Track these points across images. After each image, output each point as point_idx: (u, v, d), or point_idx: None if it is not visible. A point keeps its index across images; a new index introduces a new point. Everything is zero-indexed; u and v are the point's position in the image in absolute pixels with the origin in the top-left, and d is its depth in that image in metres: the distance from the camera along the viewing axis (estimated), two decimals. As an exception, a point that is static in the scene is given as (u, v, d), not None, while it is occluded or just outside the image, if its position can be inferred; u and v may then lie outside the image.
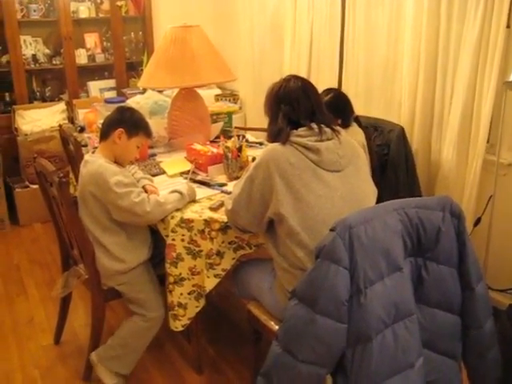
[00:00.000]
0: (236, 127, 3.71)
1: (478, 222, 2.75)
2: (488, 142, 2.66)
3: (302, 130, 1.84)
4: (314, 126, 1.85)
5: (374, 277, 1.56)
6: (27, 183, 4.20)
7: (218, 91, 4.65)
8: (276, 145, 1.85)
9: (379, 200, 2.00)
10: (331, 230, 1.56)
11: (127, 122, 2.27)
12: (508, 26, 2.48)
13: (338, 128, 1.91)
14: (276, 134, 1.88)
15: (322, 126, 1.86)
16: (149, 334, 2.34)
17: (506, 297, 2.74)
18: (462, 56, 2.64)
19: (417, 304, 1.70)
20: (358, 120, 2.70)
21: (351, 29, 3.34)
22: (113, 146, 2.26)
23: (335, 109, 2.50)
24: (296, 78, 1.96)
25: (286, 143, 1.83)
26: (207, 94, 4.25)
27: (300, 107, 1.88)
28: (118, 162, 2.29)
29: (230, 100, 4.37)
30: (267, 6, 4.13)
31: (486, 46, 2.51)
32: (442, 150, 2.83)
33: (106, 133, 2.28)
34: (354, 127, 2.63)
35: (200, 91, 3.12)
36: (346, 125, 2.55)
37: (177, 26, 2.92)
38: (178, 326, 2.28)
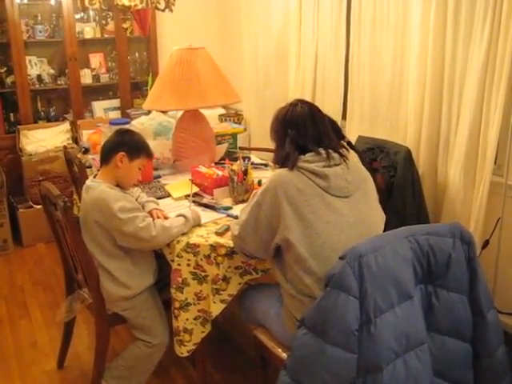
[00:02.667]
0: (240, 147, 3.71)
1: (486, 244, 2.72)
2: (495, 163, 2.65)
3: (309, 156, 1.82)
4: (322, 151, 1.83)
5: (384, 306, 1.53)
6: (31, 203, 4.19)
7: (223, 111, 4.67)
8: (283, 170, 1.83)
9: (386, 222, 1.99)
10: (340, 258, 1.54)
11: (128, 144, 2.26)
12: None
13: (345, 153, 1.90)
14: (283, 160, 1.86)
15: (330, 151, 1.84)
16: (153, 359, 2.32)
17: (515, 321, 2.71)
18: (468, 77, 2.63)
19: (427, 332, 1.67)
20: (350, 143, 2.68)
21: (356, 51, 3.34)
22: (115, 169, 2.24)
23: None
24: (303, 102, 1.95)
25: (294, 169, 1.81)
26: (211, 114, 4.26)
27: (307, 132, 1.87)
28: (120, 185, 2.27)
29: (234, 120, 4.38)
30: (272, 27, 4.15)
31: (493, 66, 2.49)
32: (449, 173, 2.81)
33: (106, 157, 2.26)
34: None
35: (204, 111, 3.12)
36: None
37: (182, 47, 2.92)
38: (183, 351, 2.24)
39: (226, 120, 4.33)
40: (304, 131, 1.87)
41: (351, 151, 2.59)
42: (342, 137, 2.62)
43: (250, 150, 3.86)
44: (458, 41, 2.66)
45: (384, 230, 1.94)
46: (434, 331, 1.69)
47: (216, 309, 2.17)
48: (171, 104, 2.87)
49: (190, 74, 2.85)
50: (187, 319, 2.21)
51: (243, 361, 2.73)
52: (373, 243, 1.56)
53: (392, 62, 3.09)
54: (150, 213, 2.33)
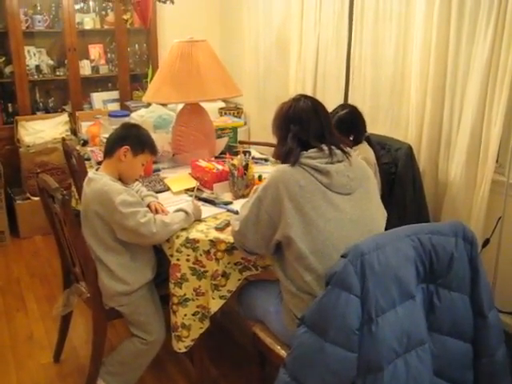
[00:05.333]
0: (240, 142, 3.69)
1: (486, 243, 2.71)
2: (497, 161, 2.63)
3: (312, 152, 1.80)
4: (325, 147, 1.81)
5: (385, 305, 1.52)
6: (28, 195, 4.16)
7: (222, 104, 4.64)
8: (285, 166, 1.81)
9: (387, 218, 1.97)
10: (342, 256, 1.52)
11: (133, 139, 2.23)
12: (519, 46, 2.45)
13: (348, 149, 1.87)
14: (285, 155, 1.84)
15: (333, 147, 1.82)
16: (148, 356, 2.30)
17: (515, 320, 2.70)
18: (471, 74, 2.61)
19: (428, 331, 1.66)
20: (369, 139, 2.68)
21: (358, 45, 3.31)
22: (118, 163, 2.22)
23: (349, 124, 2.51)
24: (306, 97, 1.92)
25: (296, 165, 1.79)
26: (211, 108, 4.23)
27: (310, 128, 1.84)
28: (122, 179, 2.25)
29: (234, 114, 4.35)
30: (273, 20, 4.12)
31: (496, 65, 2.47)
32: (450, 170, 2.80)
33: (110, 150, 2.23)
34: (365, 145, 2.61)
35: (204, 104, 3.09)
36: (357, 141, 2.54)
37: (183, 40, 2.89)
38: (181, 347, 2.23)
39: (225, 114, 4.30)
40: (307, 127, 1.85)
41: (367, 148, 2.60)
42: (364, 129, 2.62)
43: (250, 144, 3.84)
44: (462, 37, 2.64)
45: (385, 227, 1.93)
46: (434, 331, 1.67)
47: (215, 305, 2.15)
48: (171, 97, 2.85)
49: (190, 66, 2.82)
50: (185, 315, 2.19)
51: (242, 357, 2.72)
52: (375, 241, 1.55)
53: (394, 57, 3.07)
54: (149, 206, 2.30)
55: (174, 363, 2.66)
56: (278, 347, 1.97)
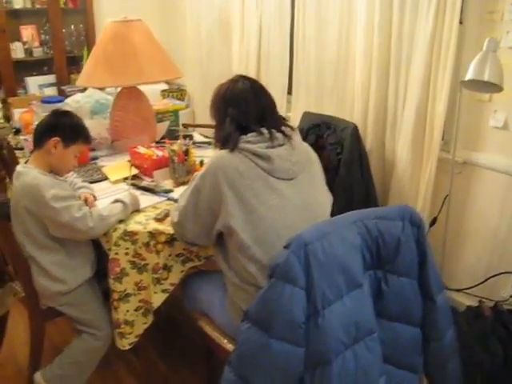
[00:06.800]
0: (184, 124, 3.56)
1: (433, 222, 2.69)
2: (443, 139, 2.60)
3: (251, 136, 1.70)
4: (265, 130, 1.72)
5: (332, 296, 1.44)
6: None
7: (165, 86, 4.48)
8: (223, 152, 1.71)
9: (334, 199, 1.90)
10: (285, 247, 1.44)
11: (64, 129, 2.06)
12: (461, 22, 2.41)
13: (290, 132, 1.78)
14: (224, 140, 1.74)
15: (273, 130, 1.73)
16: (101, 351, 2.18)
17: (463, 296, 2.71)
18: (415, 53, 2.56)
19: (377, 318, 1.60)
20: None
21: (301, 24, 3.21)
22: (47, 155, 2.04)
23: None
24: (244, 78, 1.82)
25: (235, 150, 1.69)
26: (153, 90, 4.07)
27: (249, 110, 1.75)
28: (54, 172, 2.10)
29: (177, 96, 4.20)
30: (214, 1, 3.97)
31: (439, 42, 2.43)
32: (397, 149, 2.76)
33: (39, 141, 2.05)
34: None
35: (145, 86, 2.94)
36: None
37: (117, 20, 2.73)
38: (124, 344, 2.12)
39: (168, 96, 4.15)
40: (245, 109, 1.75)
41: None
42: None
43: (195, 126, 3.70)
44: (405, 14, 2.58)
45: (332, 209, 1.86)
46: (383, 317, 1.62)
47: (157, 299, 2.05)
48: (105, 81, 2.68)
49: (125, 48, 2.66)
50: (128, 311, 2.08)
51: (193, 350, 2.63)
52: (319, 230, 1.47)
53: (338, 36, 2.99)
54: (80, 196, 2.16)
55: (119, 359, 2.55)
56: (225, 341, 1.89)
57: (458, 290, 2.72)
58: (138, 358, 2.41)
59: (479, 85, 2.18)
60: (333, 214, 1.80)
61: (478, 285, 2.61)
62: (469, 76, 2.13)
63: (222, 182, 1.67)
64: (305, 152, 1.82)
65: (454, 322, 1.74)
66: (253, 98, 1.76)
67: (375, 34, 2.71)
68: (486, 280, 2.58)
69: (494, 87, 2.12)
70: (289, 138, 1.76)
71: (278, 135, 1.73)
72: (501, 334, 2.19)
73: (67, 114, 2.17)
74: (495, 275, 2.54)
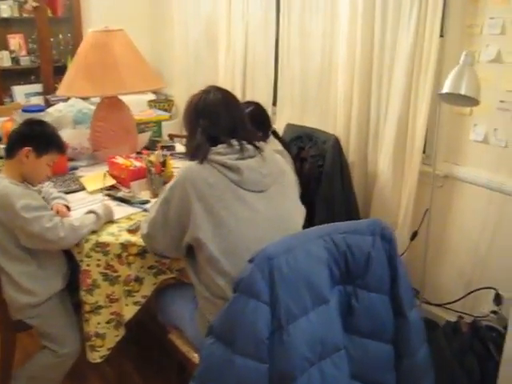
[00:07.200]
0: (170, 135, 3.55)
1: (414, 235, 2.67)
2: (424, 152, 2.59)
3: (221, 147, 1.68)
4: (235, 142, 1.69)
5: (297, 311, 1.42)
6: None
7: (152, 97, 4.47)
8: (193, 163, 1.69)
9: (315, 212, 1.87)
10: (249, 261, 1.41)
11: (36, 138, 2.02)
12: (442, 36, 2.40)
13: (261, 144, 1.76)
14: (194, 152, 1.72)
15: (244, 142, 1.71)
16: (60, 369, 2.13)
17: (444, 311, 2.68)
18: (396, 65, 2.56)
19: (347, 334, 1.58)
20: (275, 133, 2.59)
21: (286, 36, 3.21)
22: (19, 165, 2.01)
23: (255, 122, 2.40)
24: (217, 89, 1.81)
25: (204, 162, 1.67)
26: (140, 100, 4.07)
27: (220, 122, 1.73)
28: (27, 181, 2.06)
29: (163, 106, 4.19)
30: (202, 11, 3.98)
31: (420, 55, 2.43)
32: (379, 161, 2.74)
33: (11, 150, 2.02)
34: (273, 139, 2.53)
35: (131, 97, 2.93)
36: (265, 138, 2.45)
37: (98, 29, 2.72)
38: (95, 357, 2.08)
39: (154, 106, 4.14)
40: (216, 121, 1.73)
41: (276, 141, 2.52)
42: (270, 125, 2.53)
43: (180, 137, 3.68)
44: (387, 27, 2.58)
45: (313, 221, 1.84)
46: (354, 334, 1.59)
47: (129, 312, 2.02)
48: (85, 90, 2.66)
49: (106, 58, 2.65)
50: (99, 323, 2.05)
51: (167, 363, 2.58)
52: (284, 244, 1.44)
53: (322, 48, 2.99)
54: (52, 207, 2.14)
55: (94, 371, 2.50)
56: (195, 355, 1.85)
57: (439, 305, 2.69)
58: (112, 370, 2.37)
59: (457, 98, 2.16)
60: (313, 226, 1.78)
61: (459, 300, 2.58)
62: (446, 89, 2.12)
63: (191, 194, 1.64)
64: (276, 164, 1.79)
65: (432, 338, 1.71)
66: (224, 110, 1.74)
67: (357, 46, 2.70)
68: (467, 295, 2.55)
69: (471, 101, 2.11)
70: (260, 149, 1.74)
71: (249, 147, 1.71)
72: (478, 351, 2.16)
73: (40, 123, 2.14)
74: (475, 290, 2.51)
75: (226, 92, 1.82)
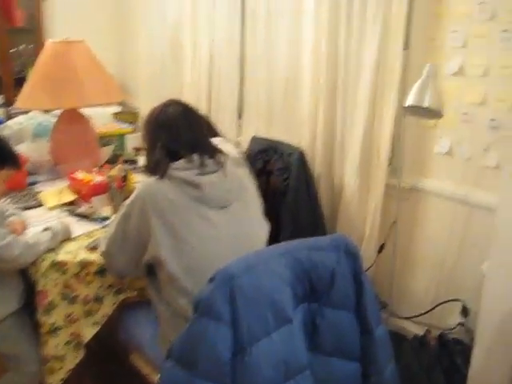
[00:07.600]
0: (135, 148, 3.47)
1: (381, 248, 2.65)
2: (390, 164, 2.58)
3: (180, 163, 1.64)
4: (196, 157, 1.65)
5: (259, 332, 1.37)
6: None
7: (118, 109, 4.38)
8: (152, 180, 1.64)
9: (281, 226, 1.83)
10: (210, 280, 1.36)
11: None
12: (406, 48, 2.40)
13: (223, 159, 1.72)
14: (153, 167, 1.67)
15: (205, 157, 1.66)
16: None
17: (412, 324, 2.66)
18: (361, 77, 2.54)
19: (312, 353, 1.53)
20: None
21: (251, 47, 3.18)
22: None
23: None
24: (177, 103, 1.77)
25: (164, 177, 1.62)
26: (105, 113, 3.98)
27: (180, 136, 1.69)
28: None
29: (129, 118, 4.11)
30: (167, 23, 3.92)
31: (384, 68, 2.42)
32: (345, 174, 2.72)
33: None
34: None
35: (95, 109, 2.86)
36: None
37: (57, 40, 2.65)
38: (53, 381, 2.00)
39: (119, 119, 4.05)
40: (176, 135, 1.68)
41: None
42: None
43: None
44: (351, 39, 2.55)
45: (278, 235, 1.80)
46: (319, 352, 1.55)
47: (88, 332, 1.97)
48: (44, 103, 2.59)
49: (65, 70, 2.58)
50: (57, 345, 1.98)
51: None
52: (246, 262, 1.40)
53: (287, 58, 2.95)
54: (7, 225, 2.05)
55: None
56: (157, 377, 1.78)
57: (407, 318, 2.68)
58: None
59: (421, 111, 2.16)
60: (279, 241, 1.74)
61: (426, 312, 2.57)
62: (409, 102, 2.11)
63: (151, 211, 1.59)
64: (238, 179, 1.75)
65: (400, 352, 1.68)
66: (184, 124, 1.70)
67: (322, 59, 2.68)
68: (434, 308, 2.54)
69: (435, 113, 2.11)
70: (221, 164, 1.69)
71: (209, 162, 1.67)
72: (445, 365, 2.14)
73: None
74: (443, 302, 2.50)
75: (187, 106, 1.78)
